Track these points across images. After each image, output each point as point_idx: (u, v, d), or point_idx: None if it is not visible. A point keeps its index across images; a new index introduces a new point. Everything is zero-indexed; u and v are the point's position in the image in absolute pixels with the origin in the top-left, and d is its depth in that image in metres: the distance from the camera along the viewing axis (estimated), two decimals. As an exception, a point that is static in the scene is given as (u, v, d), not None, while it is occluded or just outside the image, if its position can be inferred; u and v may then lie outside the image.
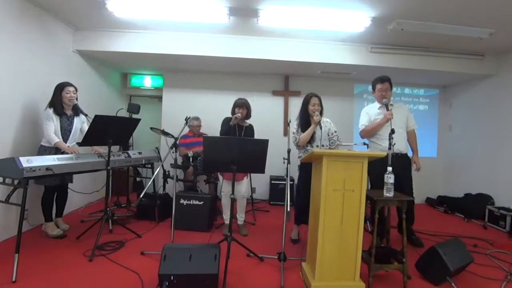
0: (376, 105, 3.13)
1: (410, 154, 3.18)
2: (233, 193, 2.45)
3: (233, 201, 2.46)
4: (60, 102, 2.92)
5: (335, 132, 2.90)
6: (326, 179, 2.05)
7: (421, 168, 3.13)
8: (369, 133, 3.10)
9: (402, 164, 2.95)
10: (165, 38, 3.93)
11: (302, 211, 2.76)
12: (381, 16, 3.21)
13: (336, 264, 2.06)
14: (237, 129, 3.17)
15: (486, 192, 4.29)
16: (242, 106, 3.17)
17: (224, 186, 3.23)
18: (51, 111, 2.85)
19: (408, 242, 2.75)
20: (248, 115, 3.26)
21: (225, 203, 3.25)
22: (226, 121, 3.22)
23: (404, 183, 2.94)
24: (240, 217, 3.34)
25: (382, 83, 3.02)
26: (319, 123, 2.73)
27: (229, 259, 2.17)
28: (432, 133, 5.34)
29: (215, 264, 2.01)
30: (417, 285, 2.28)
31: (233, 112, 3.20)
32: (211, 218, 3.44)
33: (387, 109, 2.92)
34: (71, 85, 2.97)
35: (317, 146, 2.76)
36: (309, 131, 2.72)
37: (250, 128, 3.30)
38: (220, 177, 3.32)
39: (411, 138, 3.17)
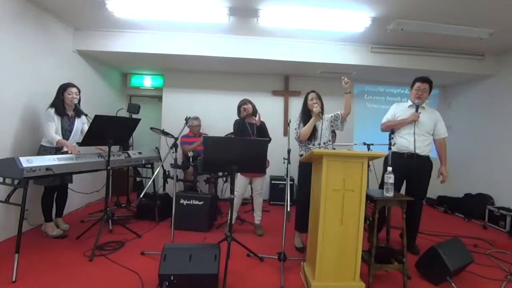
0: (408, 103, 3.04)
1: (432, 156, 3.08)
2: (232, 193, 2.45)
3: (233, 200, 2.46)
4: (62, 103, 2.92)
5: (333, 132, 2.87)
6: (326, 179, 2.05)
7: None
8: (388, 127, 3.04)
9: (421, 167, 2.89)
10: (165, 38, 3.93)
11: (303, 216, 2.65)
12: (381, 16, 3.21)
13: (336, 264, 2.06)
14: (249, 126, 3.22)
15: (486, 192, 4.30)
16: (246, 102, 3.27)
17: (239, 186, 3.17)
18: (52, 111, 2.86)
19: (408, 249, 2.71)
20: (254, 110, 3.30)
21: (237, 203, 3.26)
22: (237, 121, 3.28)
23: (418, 186, 2.90)
24: (257, 216, 3.35)
25: (423, 82, 2.92)
26: (319, 116, 2.72)
27: (229, 259, 2.17)
28: (432, 133, 5.34)
29: (215, 264, 2.01)
30: (417, 285, 2.29)
31: (239, 113, 3.29)
32: (211, 218, 3.45)
33: (416, 110, 2.87)
34: (74, 86, 2.98)
35: (319, 144, 2.75)
36: (309, 124, 2.71)
37: (262, 125, 3.29)
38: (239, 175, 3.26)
39: (440, 147, 3.03)
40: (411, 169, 2.84)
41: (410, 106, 2.98)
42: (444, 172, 2.98)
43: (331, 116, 2.83)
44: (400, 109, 3.05)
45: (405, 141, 2.87)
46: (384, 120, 3.12)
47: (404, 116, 2.95)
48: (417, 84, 2.94)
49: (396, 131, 3.00)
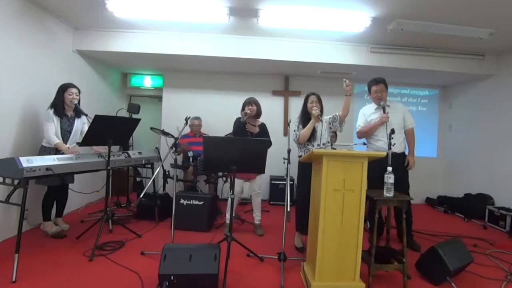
0: (373, 105, 3.16)
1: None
2: (233, 193, 2.45)
3: (233, 200, 2.46)
4: (62, 103, 2.91)
5: (334, 132, 2.88)
6: (326, 179, 2.05)
7: (421, 168, 3.14)
8: (364, 133, 3.16)
9: (397, 164, 2.92)
10: (165, 38, 3.93)
11: (303, 217, 2.63)
12: (381, 16, 3.21)
13: (336, 264, 2.06)
14: (249, 135, 3.15)
15: (486, 192, 4.29)
16: (251, 103, 3.19)
17: (235, 186, 3.16)
18: (51, 112, 2.86)
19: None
20: (258, 113, 3.24)
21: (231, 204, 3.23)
22: (238, 122, 3.21)
23: (400, 183, 2.93)
24: (257, 216, 3.35)
25: (377, 84, 3.05)
26: (318, 118, 2.72)
27: (229, 259, 2.17)
28: (432, 133, 5.34)
29: (215, 264, 2.01)
30: (417, 285, 2.29)
31: (243, 109, 3.18)
32: (211, 218, 3.44)
33: (384, 112, 2.95)
34: (74, 86, 2.98)
35: (318, 145, 2.76)
36: (308, 126, 2.72)
37: (260, 131, 3.21)
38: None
39: (409, 137, 3.16)
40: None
41: (376, 108, 3.10)
42: (411, 160, 3.08)
43: (330, 118, 2.83)
44: (369, 114, 3.15)
45: (382, 143, 2.93)
46: (358, 128, 3.22)
47: (375, 119, 3.06)
48: (373, 88, 3.07)
49: (371, 135, 3.10)
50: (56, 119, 2.87)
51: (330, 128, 2.84)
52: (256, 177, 3.25)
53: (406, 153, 3.12)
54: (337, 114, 2.79)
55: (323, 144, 2.77)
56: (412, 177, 3.17)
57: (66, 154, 2.77)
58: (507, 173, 4.03)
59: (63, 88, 2.93)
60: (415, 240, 3.02)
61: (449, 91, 5.34)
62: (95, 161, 2.82)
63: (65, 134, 2.95)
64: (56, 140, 2.81)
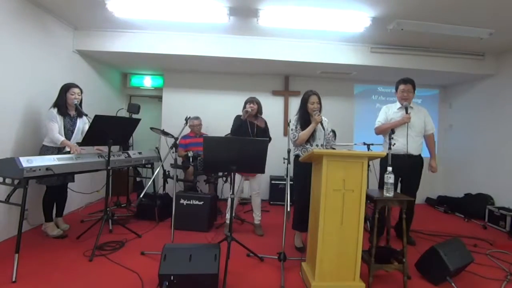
0: (397, 104, 3.17)
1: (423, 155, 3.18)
2: (233, 192, 2.45)
3: (233, 200, 2.46)
4: (65, 103, 2.92)
5: (332, 131, 2.89)
6: (326, 179, 2.05)
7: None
8: (383, 131, 3.17)
9: (413, 165, 3.04)
10: (165, 38, 3.93)
11: (301, 215, 2.66)
12: (381, 16, 3.21)
13: (336, 264, 2.06)
14: (249, 125, 3.19)
15: (486, 192, 4.29)
16: (253, 102, 3.23)
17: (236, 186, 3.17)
18: (55, 111, 2.86)
19: (400, 238, 2.75)
20: (259, 111, 3.30)
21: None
22: (238, 118, 3.24)
23: (411, 183, 3.04)
24: (257, 216, 3.36)
25: (405, 84, 3.08)
26: (320, 122, 2.72)
27: (229, 259, 2.17)
28: (432, 133, 5.34)
29: (215, 264, 2.01)
30: (417, 285, 2.29)
31: (244, 108, 3.21)
32: (211, 218, 3.45)
33: (406, 112, 2.99)
34: (76, 86, 2.98)
35: (317, 145, 2.75)
36: (308, 130, 2.70)
37: (265, 126, 3.31)
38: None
39: (430, 141, 3.21)
40: (404, 168, 2.95)
41: (399, 108, 3.12)
42: (433, 164, 3.14)
43: (328, 130, 2.81)
44: (391, 112, 3.17)
45: (399, 144, 2.95)
46: (377, 124, 3.23)
47: (396, 119, 3.08)
48: (401, 87, 3.09)
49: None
50: (60, 118, 2.88)
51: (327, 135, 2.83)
52: (255, 175, 3.25)
53: (422, 155, 3.14)
54: (331, 137, 2.85)
55: (322, 145, 2.77)
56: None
57: (72, 151, 2.78)
58: (507, 173, 4.03)
59: (66, 88, 2.93)
60: (411, 236, 3.11)
61: (449, 91, 5.34)
62: (95, 161, 2.82)
63: (68, 133, 2.96)
64: (61, 138, 2.82)
